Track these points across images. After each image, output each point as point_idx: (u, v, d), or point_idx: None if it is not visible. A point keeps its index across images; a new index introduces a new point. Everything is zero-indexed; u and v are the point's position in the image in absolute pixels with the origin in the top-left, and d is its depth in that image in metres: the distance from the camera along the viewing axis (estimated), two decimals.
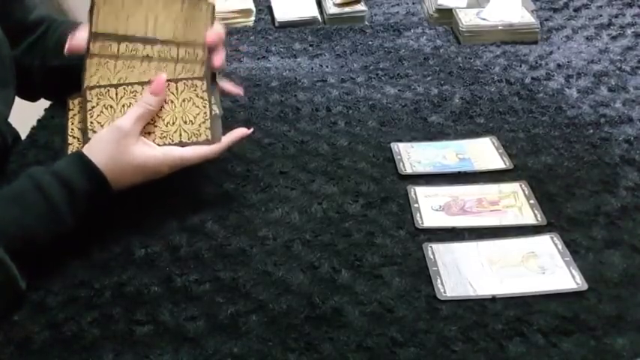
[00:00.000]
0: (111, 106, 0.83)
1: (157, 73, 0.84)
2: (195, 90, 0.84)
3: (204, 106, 0.84)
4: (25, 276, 0.73)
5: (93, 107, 0.83)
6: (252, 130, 0.87)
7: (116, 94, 0.83)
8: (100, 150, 0.78)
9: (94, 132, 0.82)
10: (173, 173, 0.82)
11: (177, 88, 0.84)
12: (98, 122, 0.83)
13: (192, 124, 0.84)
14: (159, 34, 0.85)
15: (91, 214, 0.79)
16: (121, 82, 0.84)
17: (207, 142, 0.83)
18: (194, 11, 0.85)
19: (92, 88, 0.83)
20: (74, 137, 0.84)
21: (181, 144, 0.83)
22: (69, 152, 0.82)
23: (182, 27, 0.85)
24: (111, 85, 0.84)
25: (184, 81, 0.84)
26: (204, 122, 0.84)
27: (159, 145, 0.82)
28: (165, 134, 0.83)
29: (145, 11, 0.85)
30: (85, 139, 0.82)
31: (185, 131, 0.83)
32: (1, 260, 0.70)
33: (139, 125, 0.80)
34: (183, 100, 0.84)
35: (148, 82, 0.83)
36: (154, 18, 0.85)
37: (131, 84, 0.84)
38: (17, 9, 1.00)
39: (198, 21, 0.85)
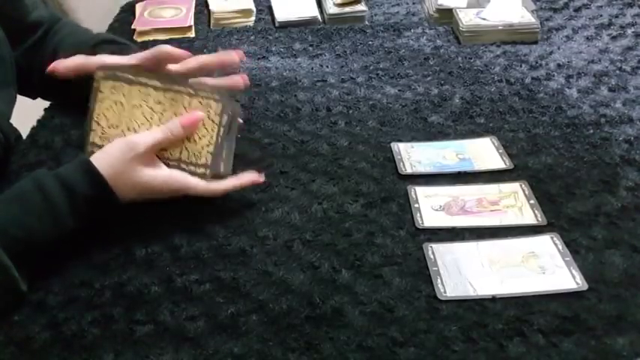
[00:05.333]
0: (121, 103, 0.82)
1: (171, 103, 0.82)
2: (208, 110, 0.82)
3: (213, 130, 0.82)
4: (26, 279, 0.73)
5: (103, 98, 0.82)
6: (263, 179, 0.86)
7: (129, 91, 0.82)
8: (107, 162, 0.78)
9: (98, 125, 0.82)
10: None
11: (190, 103, 0.82)
12: (105, 115, 0.82)
13: (196, 144, 0.82)
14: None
15: (95, 220, 0.79)
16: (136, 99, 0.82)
17: (204, 166, 0.82)
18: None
19: (107, 79, 0.83)
20: (99, 124, 0.83)
21: (179, 162, 0.81)
22: (90, 140, 0.82)
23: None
24: (125, 81, 0.82)
25: (200, 99, 0.82)
26: (207, 145, 0.82)
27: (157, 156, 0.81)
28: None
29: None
30: (86, 132, 0.82)
31: (186, 149, 0.82)
32: (0, 261, 0.70)
33: (153, 149, 0.80)
34: None
35: (164, 89, 0.82)
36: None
37: (146, 85, 0.82)
38: (16, 8, 1.00)
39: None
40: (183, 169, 0.82)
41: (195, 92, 0.82)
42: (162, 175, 0.81)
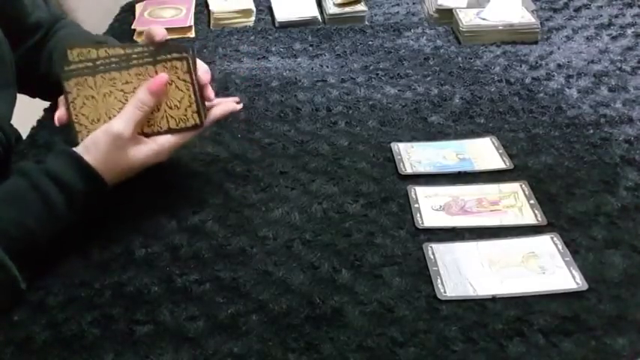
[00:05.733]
0: (92, 97, 0.80)
1: (139, 78, 0.80)
2: (176, 72, 0.80)
3: (188, 89, 0.81)
4: (25, 277, 0.73)
5: (74, 99, 0.81)
6: (242, 105, 0.88)
7: (95, 82, 0.80)
8: (95, 154, 0.78)
9: (81, 125, 0.81)
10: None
11: (156, 72, 0.80)
12: (83, 114, 0.81)
13: (178, 108, 0.81)
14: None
15: (90, 210, 0.79)
16: (103, 79, 0.80)
17: (195, 127, 0.82)
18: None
19: (69, 78, 0.80)
20: (81, 124, 0.81)
21: (170, 131, 0.81)
22: (79, 140, 0.80)
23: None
24: (87, 73, 0.80)
25: (163, 63, 0.80)
26: (190, 106, 0.81)
27: (147, 133, 0.81)
28: (152, 121, 0.81)
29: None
30: (74, 135, 0.81)
31: (172, 117, 0.81)
32: (1, 260, 0.70)
33: (135, 129, 0.79)
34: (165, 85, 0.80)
35: (126, 67, 0.80)
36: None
37: (109, 71, 0.80)
38: (15, 9, 1.00)
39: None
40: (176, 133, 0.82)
41: (157, 58, 0.80)
42: (153, 148, 0.80)
